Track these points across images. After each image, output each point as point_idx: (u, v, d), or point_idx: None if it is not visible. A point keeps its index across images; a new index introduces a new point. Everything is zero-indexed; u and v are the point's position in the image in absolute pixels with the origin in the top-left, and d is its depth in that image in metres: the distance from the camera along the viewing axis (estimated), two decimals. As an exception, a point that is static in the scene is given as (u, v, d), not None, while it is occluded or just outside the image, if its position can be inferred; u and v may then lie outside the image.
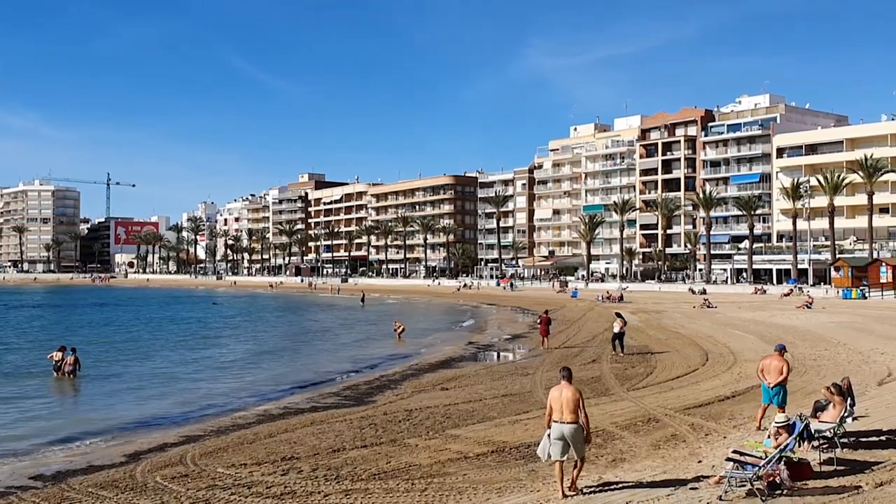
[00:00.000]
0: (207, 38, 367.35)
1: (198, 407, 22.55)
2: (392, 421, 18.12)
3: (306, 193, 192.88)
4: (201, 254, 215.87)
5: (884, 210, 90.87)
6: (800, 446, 12.07)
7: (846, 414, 13.38)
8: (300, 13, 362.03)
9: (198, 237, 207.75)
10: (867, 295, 67.53)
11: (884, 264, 76.20)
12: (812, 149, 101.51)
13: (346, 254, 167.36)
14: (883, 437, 14.09)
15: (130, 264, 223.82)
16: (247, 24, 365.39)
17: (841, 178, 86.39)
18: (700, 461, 13.07)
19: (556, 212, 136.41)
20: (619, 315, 33.24)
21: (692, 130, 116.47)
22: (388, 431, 16.92)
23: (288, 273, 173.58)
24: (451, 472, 13.08)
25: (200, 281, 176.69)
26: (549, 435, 11.23)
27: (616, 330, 31.24)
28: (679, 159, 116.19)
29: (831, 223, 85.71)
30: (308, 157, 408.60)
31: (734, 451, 11.47)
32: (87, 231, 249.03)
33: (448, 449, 14.95)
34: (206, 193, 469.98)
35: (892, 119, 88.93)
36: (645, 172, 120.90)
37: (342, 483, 12.67)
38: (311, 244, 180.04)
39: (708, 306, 59.25)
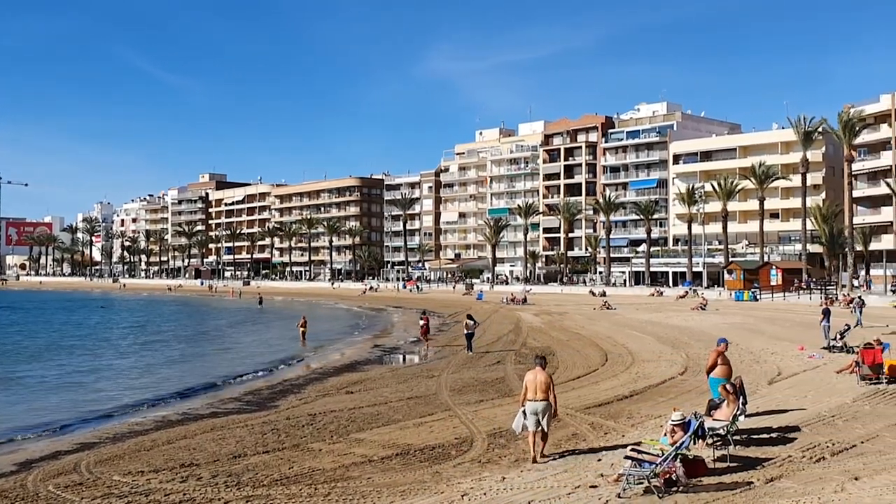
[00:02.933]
0: (102, 33, 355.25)
1: (93, 413, 21.78)
2: (295, 426, 17.89)
3: (207, 194, 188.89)
4: (97, 255, 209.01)
5: (774, 215, 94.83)
6: (695, 444, 12.44)
7: (738, 412, 13.85)
8: (200, 9, 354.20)
9: (93, 238, 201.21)
10: (758, 297, 70.18)
11: (774, 267, 79.44)
12: (707, 155, 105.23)
13: (249, 256, 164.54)
14: (773, 435, 14.70)
15: (22, 266, 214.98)
16: (143, 20, 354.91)
17: (734, 184, 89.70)
18: (600, 460, 13.34)
19: (462, 215, 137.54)
20: (469, 317, 35.62)
21: (593, 137, 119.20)
22: (291, 436, 16.70)
23: (187, 276, 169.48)
24: (355, 476, 13.00)
25: (96, 283, 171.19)
26: (523, 412, 13.40)
27: (466, 330, 33.95)
28: (581, 164, 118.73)
29: (724, 228, 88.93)
30: (209, 157, 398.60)
31: (632, 449, 11.75)
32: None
33: (352, 453, 14.85)
34: (102, 193, 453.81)
35: (783, 128, 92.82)
36: (548, 177, 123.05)
37: (243, 489, 12.43)
38: (211, 246, 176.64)
39: (608, 308, 60.62)
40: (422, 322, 38.50)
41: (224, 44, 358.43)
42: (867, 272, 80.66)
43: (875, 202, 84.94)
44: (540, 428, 13.40)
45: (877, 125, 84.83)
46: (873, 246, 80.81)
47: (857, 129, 78.67)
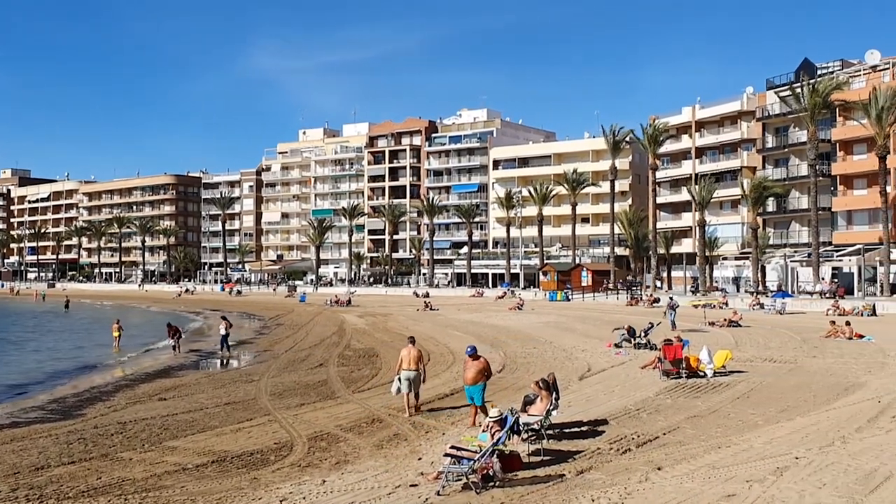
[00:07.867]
0: None
1: None
2: (103, 434, 16.98)
3: (8, 191, 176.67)
4: None
5: (585, 220, 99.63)
6: (510, 439, 12.82)
7: (552, 407, 14.40)
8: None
9: None
10: (570, 297, 73.48)
11: (585, 269, 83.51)
12: (524, 162, 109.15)
13: (54, 257, 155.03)
14: (584, 428, 15.40)
15: None
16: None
17: (548, 189, 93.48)
18: (420, 458, 13.49)
19: (285, 215, 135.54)
20: (224, 318, 36.92)
21: (417, 140, 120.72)
22: (99, 446, 15.84)
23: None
24: (168, 486, 12.49)
25: None
26: (398, 378, 17.60)
27: (222, 332, 35.18)
28: (405, 167, 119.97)
29: (540, 231, 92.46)
30: (11, 152, 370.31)
31: (451, 447, 11.95)
32: None
33: (165, 461, 14.27)
34: None
35: (594, 137, 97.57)
36: (373, 179, 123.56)
37: (46, 502, 11.68)
38: (13, 246, 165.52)
39: (430, 308, 61.53)
40: (171, 344, 35.99)
41: (25, 32, 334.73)
42: (669, 274, 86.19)
43: (676, 208, 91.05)
44: (412, 391, 17.60)
45: (679, 136, 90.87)
46: (674, 249, 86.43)
47: (661, 139, 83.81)
